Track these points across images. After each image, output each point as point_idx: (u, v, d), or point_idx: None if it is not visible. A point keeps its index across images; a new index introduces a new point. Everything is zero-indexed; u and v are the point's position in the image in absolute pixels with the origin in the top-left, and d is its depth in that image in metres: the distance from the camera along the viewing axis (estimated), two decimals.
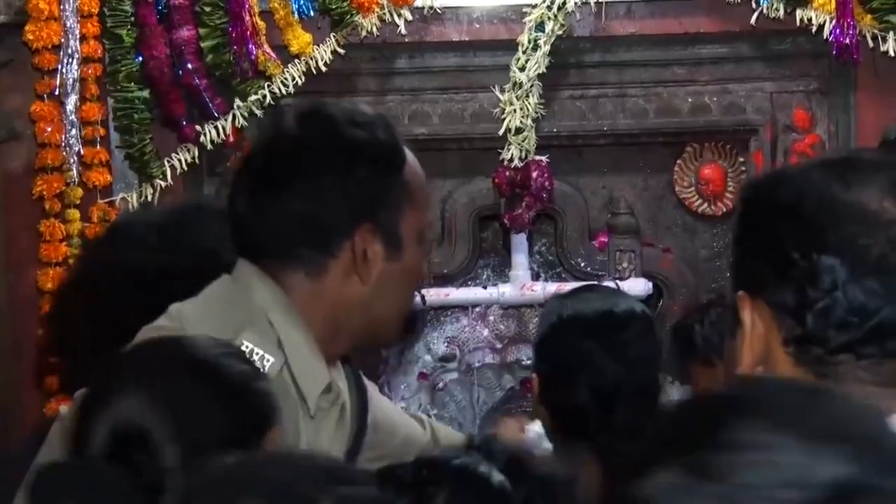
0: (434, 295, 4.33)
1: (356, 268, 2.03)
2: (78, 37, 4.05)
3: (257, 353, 1.95)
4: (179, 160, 4.17)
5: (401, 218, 2.06)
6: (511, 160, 4.12)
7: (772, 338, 1.44)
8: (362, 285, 2.03)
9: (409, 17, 4.17)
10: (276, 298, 2.03)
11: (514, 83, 4.08)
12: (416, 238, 2.09)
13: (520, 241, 4.36)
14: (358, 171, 2.02)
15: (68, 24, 4.03)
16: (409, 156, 2.11)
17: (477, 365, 4.44)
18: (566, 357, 2.52)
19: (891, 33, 4.05)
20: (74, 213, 4.13)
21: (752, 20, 4.13)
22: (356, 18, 4.12)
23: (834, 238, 1.39)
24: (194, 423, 1.66)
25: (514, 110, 4.09)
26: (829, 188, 1.42)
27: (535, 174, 4.13)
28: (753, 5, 4.11)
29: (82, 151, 4.08)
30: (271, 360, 1.96)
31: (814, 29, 4.08)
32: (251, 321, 2.00)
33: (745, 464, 1.01)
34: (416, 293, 2.20)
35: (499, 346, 4.47)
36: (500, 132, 4.12)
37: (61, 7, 4.03)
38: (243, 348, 1.92)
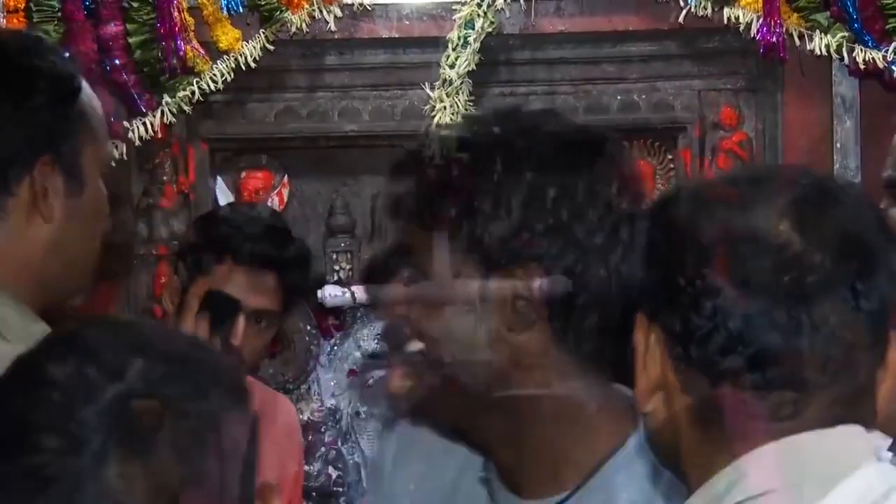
0: (364, 292, 4.31)
1: (38, 205, 1.84)
2: None
3: None
4: None
5: (81, 150, 1.88)
6: None
7: (665, 363, 1.37)
8: (45, 223, 1.84)
9: (339, 14, 4.16)
10: None
11: (444, 80, 4.08)
12: (97, 172, 1.92)
13: None
14: (33, 99, 1.84)
15: None
16: (85, 85, 1.92)
17: None
18: None
19: (817, 32, 4.08)
20: None
21: (681, 18, 4.15)
22: (285, 14, 4.10)
23: (720, 262, 1.33)
24: None
25: (444, 107, 4.09)
26: (726, 209, 1.36)
27: None
28: (682, 3, 4.13)
29: None
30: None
31: (741, 27, 4.11)
32: None
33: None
34: (103, 233, 1.97)
35: None
36: None
37: None
38: None
